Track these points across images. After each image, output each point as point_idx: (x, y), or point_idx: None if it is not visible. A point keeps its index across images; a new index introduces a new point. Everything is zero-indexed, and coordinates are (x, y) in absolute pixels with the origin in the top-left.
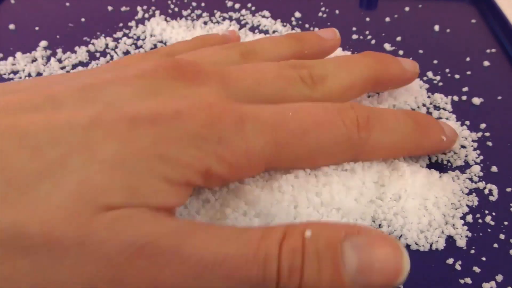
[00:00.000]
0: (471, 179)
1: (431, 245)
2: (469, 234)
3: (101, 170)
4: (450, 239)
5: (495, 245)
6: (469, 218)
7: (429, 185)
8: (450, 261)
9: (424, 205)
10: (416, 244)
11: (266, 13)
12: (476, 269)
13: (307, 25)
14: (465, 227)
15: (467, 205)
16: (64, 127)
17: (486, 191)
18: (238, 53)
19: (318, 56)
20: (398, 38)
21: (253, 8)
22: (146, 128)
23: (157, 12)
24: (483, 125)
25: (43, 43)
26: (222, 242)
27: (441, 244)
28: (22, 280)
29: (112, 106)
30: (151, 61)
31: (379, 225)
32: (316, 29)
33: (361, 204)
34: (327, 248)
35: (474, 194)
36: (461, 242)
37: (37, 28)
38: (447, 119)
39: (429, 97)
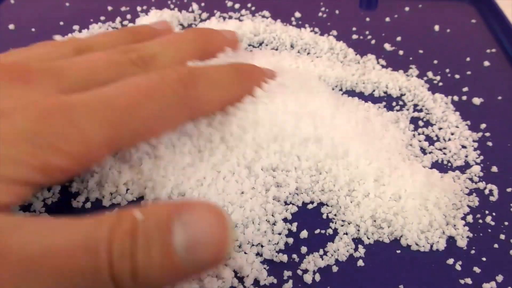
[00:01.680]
0: (471, 179)
1: (431, 246)
2: (470, 235)
3: None
4: (450, 240)
5: (496, 246)
6: (469, 218)
7: (429, 185)
8: (451, 261)
9: (425, 206)
10: (417, 244)
11: (266, 13)
12: (477, 269)
13: (307, 25)
14: (466, 228)
15: (468, 206)
16: None
17: (487, 191)
18: (71, 49)
19: None
20: (398, 38)
21: (253, 8)
22: None
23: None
24: (483, 125)
25: None
26: (50, 233)
27: (441, 245)
28: None
29: None
30: None
31: (380, 226)
32: (316, 29)
33: None
34: (157, 229)
35: (474, 194)
36: (462, 243)
37: (37, 28)
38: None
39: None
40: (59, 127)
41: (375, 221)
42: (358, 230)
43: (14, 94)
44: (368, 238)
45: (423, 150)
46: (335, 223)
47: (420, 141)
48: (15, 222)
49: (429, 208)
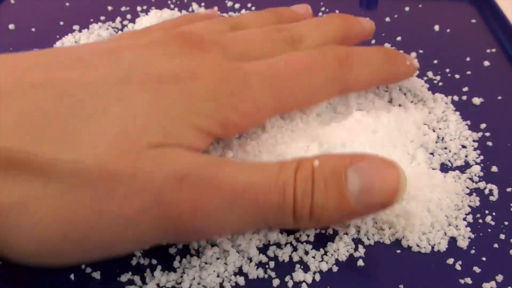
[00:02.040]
0: (471, 179)
1: (432, 247)
2: (472, 236)
3: (140, 116)
4: (451, 240)
5: (495, 245)
6: (470, 218)
7: (432, 186)
8: (450, 261)
9: (427, 207)
10: (418, 246)
11: None
12: (476, 269)
13: None
14: (468, 229)
15: (469, 206)
16: (100, 83)
17: (486, 191)
18: (227, 26)
19: None
20: (398, 38)
21: (253, 8)
22: (170, 85)
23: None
24: (483, 125)
25: (43, 43)
26: (248, 173)
27: (443, 246)
28: (83, 208)
29: (136, 66)
30: (157, 32)
31: (381, 227)
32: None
33: None
34: (332, 174)
35: (474, 194)
36: (463, 243)
37: (37, 28)
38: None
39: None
40: (236, 89)
41: (376, 222)
42: (359, 231)
43: (197, 59)
44: (369, 239)
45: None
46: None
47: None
48: (219, 160)
49: (431, 210)
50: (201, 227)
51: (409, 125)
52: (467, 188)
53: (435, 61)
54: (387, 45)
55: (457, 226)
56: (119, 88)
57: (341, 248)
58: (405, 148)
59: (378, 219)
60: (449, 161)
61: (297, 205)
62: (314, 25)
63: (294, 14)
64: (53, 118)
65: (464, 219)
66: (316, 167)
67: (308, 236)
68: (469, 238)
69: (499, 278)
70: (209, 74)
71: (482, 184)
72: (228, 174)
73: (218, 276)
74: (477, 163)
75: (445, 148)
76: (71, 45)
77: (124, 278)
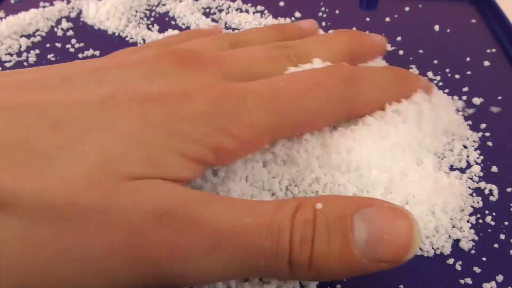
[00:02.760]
0: (471, 179)
1: (435, 251)
2: (476, 238)
3: (120, 143)
4: (454, 242)
5: (496, 245)
6: (472, 219)
7: (438, 189)
8: (451, 261)
9: (432, 211)
10: (421, 249)
11: (265, 12)
12: (477, 269)
13: None
14: (472, 231)
15: (472, 206)
16: (81, 105)
17: (487, 191)
18: (227, 43)
19: None
20: (398, 38)
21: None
22: (157, 107)
23: None
24: (483, 125)
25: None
26: (238, 213)
27: (447, 249)
28: (47, 246)
29: (122, 86)
30: (151, 49)
31: None
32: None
33: None
34: (337, 220)
35: (474, 194)
36: (467, 245)
37: None
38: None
39: None
40: (231, 111)
41: None
42: None
43: (190, 78)
44: None
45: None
46: None
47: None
48: (206, 197)
49: (436, 213)
50: (180, 272)
51: (423, 130)
52: (469, 188)
53: (435, 61)
54: (387, 45)
55: (461, 227)
56: (101, 110)
57: None
58: (414, 154)
59: None
60: (453, 162)
61: (294, 252)
62: (320, 42)
63: (299, 30)
64: (25, 143)
65: (468, 220)
66: (318, 210)
67: None
68: (472, 240)
69: (499, 278)
70: (202, 94)
71: (482, 184)
72: (214, 213)
73: None
74: (477, 163)
75: (450, 150)
76: (62, 63)
77: None
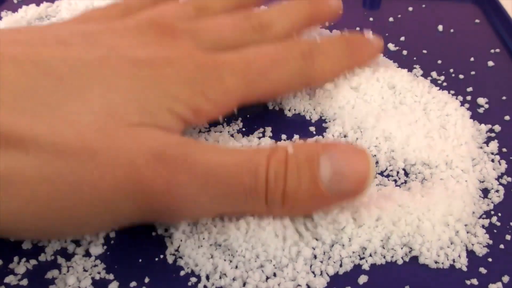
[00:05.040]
0: (479, 180)
1: (449, 260)
2: (490, 242)
3: (119, 97)
4: (468, 250)
5: (501, 246)
6: (480, 221)
7: (448, 199)
8: (458, 264)
9: (446, 222)
10: (436, 262)
11: None
12: (483, 270)
13: None
14: (487, 236)
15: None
16: (80, 62)
17: (492, 192)
18: (192, 8)
19: (254, 4)
20: (402, 38)
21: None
22: (147, 70)
23: None
24: (488, 125)
25: None
26: (222, 154)
27: (463, 259)
28: (62, 181)
29: (114, 50)
30: (132, 19)
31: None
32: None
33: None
34: (306, 161)
35: (482, 195)
36: (481, 251)
37: None
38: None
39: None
40: (209, 78)
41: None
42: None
43: (171, 46)
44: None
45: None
46: None
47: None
48: (193, 141)
49: (450, 224)
50: (174, 206)
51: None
52: (478, 189)
53: (439, 61)
54: (390, 45)
55: (475, 233)
56: (99, 69)
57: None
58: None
59: (394, 236)
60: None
61: (269, 187)
62: (281, 11)
63: None
64: (34, 92)
65: (482, 226)
66: (290, 153)
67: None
68: (487, 245)
69: (505, 279)
70: (184, 62)
71: (488, 185)
72: (202, 154)
73: None
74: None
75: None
76: (48, 23)
77: None
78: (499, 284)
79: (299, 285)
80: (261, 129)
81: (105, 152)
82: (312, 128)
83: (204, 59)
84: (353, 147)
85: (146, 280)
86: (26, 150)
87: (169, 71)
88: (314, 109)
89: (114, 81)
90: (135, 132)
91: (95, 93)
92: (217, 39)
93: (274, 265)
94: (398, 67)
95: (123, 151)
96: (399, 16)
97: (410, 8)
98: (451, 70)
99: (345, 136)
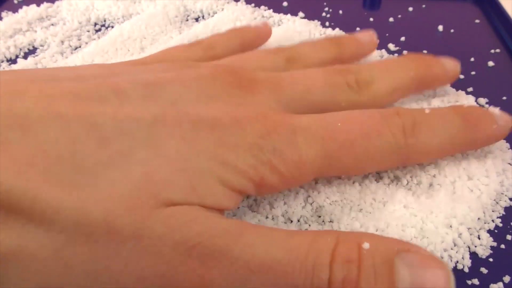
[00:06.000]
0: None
1: (453, 262)
2: (494, 244)
3: (165, 165)
4: (471, 252)
5: (502, 246)
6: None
7: (453, 202)
8: (460, 264)
9: (449, 224)
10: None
11: (270, 12)
12: (484, 270)
13: None
14: (491, 239)
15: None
16: (130, 121)
17: None
18: (283, 58)
19: (356, 58)
20: (402, 38)
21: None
22: (207, 132)
23: None
24: None
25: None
26: (271, 245)
27: (467, 261)
28: (79, 267)
29: (175, 106)
30: (208, 66)
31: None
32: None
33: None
34: (383, 263)
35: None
36: (484, 253)
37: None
38: None
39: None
40: (280, 146)
41: None
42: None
43: (243, 102)
44: None
45: None
46: None
47: None
48: (239, 227)
49: (453, 226)
50: None
51: None
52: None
53: None
54: (391, 45)
55: (479, 236)
56: (151, 129)
57: None
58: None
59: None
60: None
61: None
62: (384, 69)
63: (357, 44)
64: (71, 157)
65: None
66: (365, 250)
67: None
68: (490, 247)
69: (506, 279)
70: (253, 124)
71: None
72: (244, 246)
73: None
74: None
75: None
76: (109, 63)
77: None
78: (500, 284)
79: None
80: None
81: (132, 238)
82: None
83: (279, 122)
84: (431, 254)
85: None
86: (47, 226)
87: (233, 135)
88: None
89: (164, 145)
90: (172, 214)
91: (139, 160)
92: (302, 95)
93: None
94: None
95: (152, 239)
96: (399, 16)
97: (410, 8)
98: None
99: None
